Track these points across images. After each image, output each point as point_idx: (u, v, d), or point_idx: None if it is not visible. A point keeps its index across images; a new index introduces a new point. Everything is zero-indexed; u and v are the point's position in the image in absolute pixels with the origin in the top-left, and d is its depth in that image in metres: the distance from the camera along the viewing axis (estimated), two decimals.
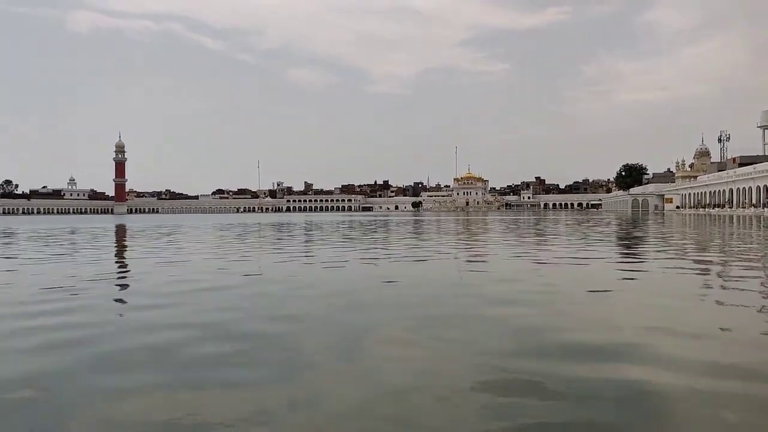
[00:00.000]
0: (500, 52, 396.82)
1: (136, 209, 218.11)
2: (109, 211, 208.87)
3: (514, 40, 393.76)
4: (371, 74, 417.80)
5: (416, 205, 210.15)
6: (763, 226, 29.70)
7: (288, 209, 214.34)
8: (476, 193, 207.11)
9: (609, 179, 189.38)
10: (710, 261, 11.54)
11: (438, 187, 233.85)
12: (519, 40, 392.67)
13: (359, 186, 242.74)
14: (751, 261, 11.24)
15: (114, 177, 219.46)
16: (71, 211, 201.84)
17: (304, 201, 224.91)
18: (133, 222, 54.68)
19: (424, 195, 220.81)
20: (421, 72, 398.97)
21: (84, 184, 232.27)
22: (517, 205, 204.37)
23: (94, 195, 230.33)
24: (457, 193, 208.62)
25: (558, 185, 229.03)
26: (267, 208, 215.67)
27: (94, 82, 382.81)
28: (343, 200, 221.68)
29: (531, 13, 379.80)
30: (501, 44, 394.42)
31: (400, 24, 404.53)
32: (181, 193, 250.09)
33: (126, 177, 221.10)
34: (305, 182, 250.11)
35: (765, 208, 63.52)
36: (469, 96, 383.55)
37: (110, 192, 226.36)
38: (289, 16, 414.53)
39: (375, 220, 50.58)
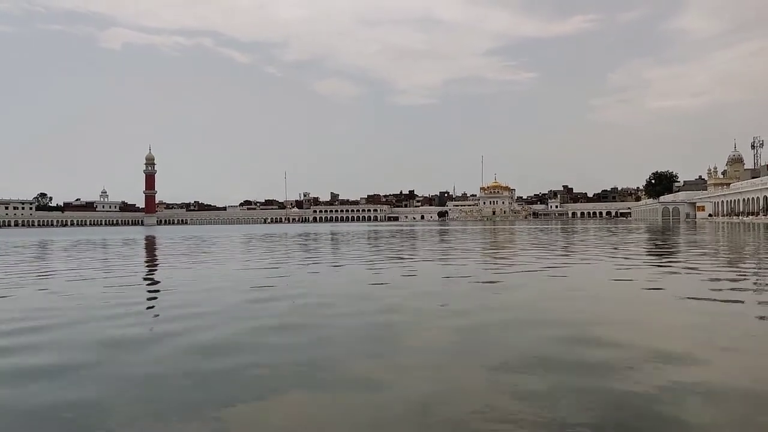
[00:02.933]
0: (527, 60, 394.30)
1: (165, 221, 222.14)
2: (140, 222, 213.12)
3: (540, 48, 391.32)
4: (397, 85, 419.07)
5: (442, 214, 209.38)
6: None
7: (314, 219, 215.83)
8: (503, 203, 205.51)
9: (638, 187, 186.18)
10: None
11: (464, 197, 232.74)
12: (545, 48, 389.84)
13: (385, 196, 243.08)
14: None
15: (144, 189, 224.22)
16: (103, 222, 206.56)
17: (330, 211, 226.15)
18: (177, 233, 55.73)
19: (450, 204, 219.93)
20: (447, 81, 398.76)
21: (115, 196, 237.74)
22: (545, 214, 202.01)
23: (125, 207, 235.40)
24: (484, 203, 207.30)
25: (586, 194, 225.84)
26: (294, 219, 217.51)
27: (125, 96, 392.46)
28: (368, 210, 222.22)
29: (557, 21, 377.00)
30: (527, 53, 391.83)
31: (426, 34, 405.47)
32: (210, 205, 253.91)
33: (156, 189, 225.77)
34: (331, 193, 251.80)
35: None
36: (496, 105, 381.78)
37: (140, 204, 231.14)
38: (316, 28, 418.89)
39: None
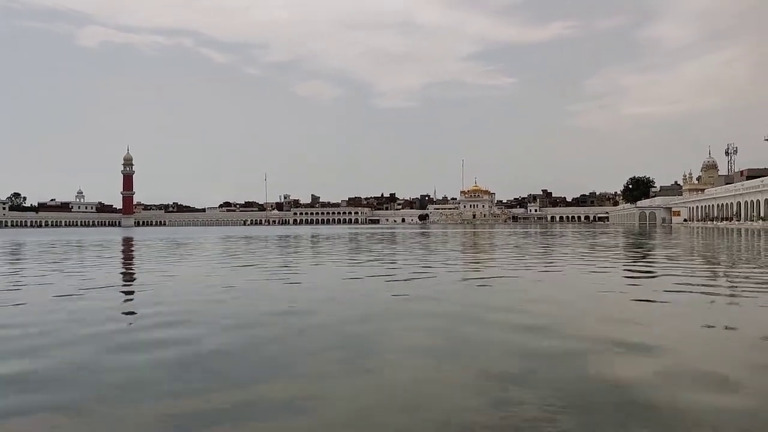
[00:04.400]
0: (506, 65, 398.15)
1: (143, 222, 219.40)
2: (117, 223, 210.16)
3: (519, 54, 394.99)
4: (378, 87, 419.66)
5: (423, 217, 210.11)
6: None
7: (294, 222, 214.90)
8: (483, 206, 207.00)
9: (616, 192, 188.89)
10: None
11: (445, 200, 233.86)
12: (525, 54, 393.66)
13: (366, 199, 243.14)
14: None
15: (122, 190, 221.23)
16: (79, 223, 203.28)
17: (311, 214, 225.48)
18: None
19: (430, 207, 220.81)
20: (427, 85, 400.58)
21: (92, 197, 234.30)
22: (524, 218, 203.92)
23: (102, 208, 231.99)
24: (464, 206, 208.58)
25: (565, 198, 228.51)
26: (274, 221, 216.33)
27: (103, 95, 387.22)
28: (349, 213, 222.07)
29: (536, 27, 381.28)
30: (507, 58, 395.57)
31: (406, 38, 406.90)
32: (188, 206, 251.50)
33: (134, 190, 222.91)
34: (312, 195, 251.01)
35: None
36: (476, 109, 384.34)
37: (118, 205, 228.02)
38: (296, 30, 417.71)
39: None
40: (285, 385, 3.84)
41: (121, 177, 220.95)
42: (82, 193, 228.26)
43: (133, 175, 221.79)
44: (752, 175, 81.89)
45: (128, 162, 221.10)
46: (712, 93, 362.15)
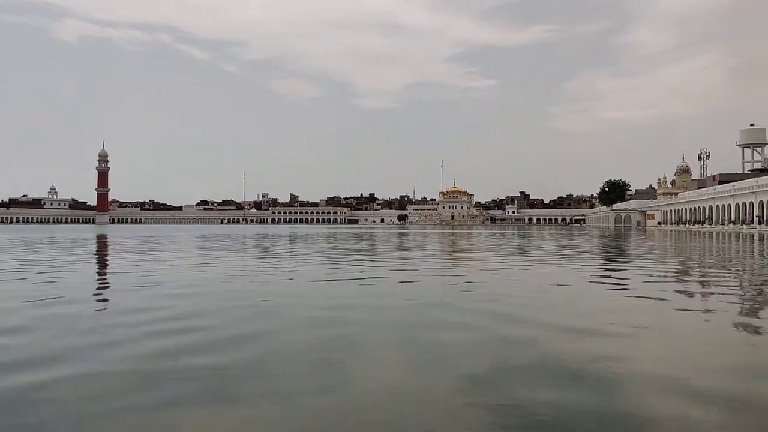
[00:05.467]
0: (486, 68, 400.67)
1: (118, 219, 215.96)
2: (91, 221, 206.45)
3: (500, 56, 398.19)
4: (358, 88, 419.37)
5: (402, 218, 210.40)
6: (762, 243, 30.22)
7: (273, 221, 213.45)
8: (461, 207, 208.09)
9: (593, 195, 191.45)
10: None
11: (424, 201, 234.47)
12: (505, 56, 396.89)
13: (345, 198, 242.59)
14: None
15: (96, 186, 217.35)
16: (52, 220, 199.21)
17: (290, 213, 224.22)
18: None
19: (410, 208, 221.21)
20: (408, 86, 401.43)
21: (65, 194, 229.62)
22: (502, 220, 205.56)
23: (76, 205, 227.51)
24: (443, 207, 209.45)
25: (542, 200, 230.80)
26: (252, 220, 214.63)
27: (78, 90, 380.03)
28: (328, 213, 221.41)
29: (517, 30, 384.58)
30: (487, 61, 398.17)
31: (387, 39, 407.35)
32: (165, 204, 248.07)
33: (109, 187, 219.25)
34: (291, 194, 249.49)
35: (743, 225, 64.58)
36: (456, 111, 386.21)
37: (92, 202, 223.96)
38: (277, 28, 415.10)
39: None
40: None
41: (96, 173, 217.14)
42: (55, 189, 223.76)
43: (109, 172, 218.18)
44: (724, 180, 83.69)
45: (103, 158, 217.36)
46: (687, 98, 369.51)
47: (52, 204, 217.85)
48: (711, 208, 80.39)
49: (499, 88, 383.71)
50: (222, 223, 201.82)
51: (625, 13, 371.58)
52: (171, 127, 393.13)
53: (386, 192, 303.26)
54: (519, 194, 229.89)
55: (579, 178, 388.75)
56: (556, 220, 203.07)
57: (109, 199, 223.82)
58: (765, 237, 40.45)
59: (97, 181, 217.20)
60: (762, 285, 10.09)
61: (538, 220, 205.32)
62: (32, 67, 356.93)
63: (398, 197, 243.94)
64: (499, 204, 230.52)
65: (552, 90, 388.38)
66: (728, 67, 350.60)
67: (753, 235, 44.54)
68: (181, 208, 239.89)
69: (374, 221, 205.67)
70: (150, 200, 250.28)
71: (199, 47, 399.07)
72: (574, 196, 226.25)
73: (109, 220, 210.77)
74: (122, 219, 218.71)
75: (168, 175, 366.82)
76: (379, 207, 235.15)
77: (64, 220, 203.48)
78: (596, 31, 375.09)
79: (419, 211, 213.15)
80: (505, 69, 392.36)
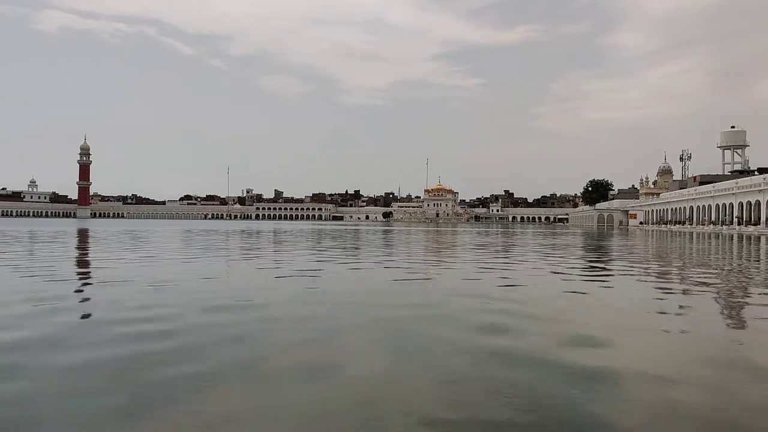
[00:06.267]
0: (473, 67, 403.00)
1: (100, 213, 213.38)
2: (72, 214, 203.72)
3: (486, 56, 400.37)
4: (345, 84, 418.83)
5: (387, 215, 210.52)
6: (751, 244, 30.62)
7: (257, 217, 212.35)
8: (446, 205, 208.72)
9: (576, 194, 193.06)
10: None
11: (409, 198, 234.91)
12: (491, 56, 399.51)
13: (330, 195, 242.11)
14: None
15: (78, 180, 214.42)
16: (31, 214, 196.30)
17: (274, 209, 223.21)
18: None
19: (395, 205, 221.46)
20: (394, 84, 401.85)
21: (46, 187, 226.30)
22: (486, 218, 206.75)
23: (56, 198, 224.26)
24: (428, 205, 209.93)
25: (526, 199, 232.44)
26: (236, 216, 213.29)
27: (61, 82, 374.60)
28: (313, 209, 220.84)
29: (503, 30, 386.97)
30: (474, 60, 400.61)
31: (374, 36, 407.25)
32: (148, 198, 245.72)
33: (90, 180, 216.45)
34: (275, 190, 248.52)
35: (723, 226, 65.54)
36: (442, 109, 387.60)
37: (73, 195, 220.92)
38: (264, 24, 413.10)
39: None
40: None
41: (77, 167, 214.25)
42: (35, 182, 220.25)
43: (90, 165, 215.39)
44: (704, 181, 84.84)
45: (85, 151, 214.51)
46: (670, 100, 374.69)
47: (32, 197, 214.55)
48: (692, 208, 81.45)
49: (485, 87, 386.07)
50: (205, 218, 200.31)
51: (610, 15, 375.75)
52: (155, 121, 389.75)
53: (372, 189, 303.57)
54: (503, 193, 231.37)
55: (563, 178, 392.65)
56: (539, 218, 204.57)
57: (91, 193, 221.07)
58: (744, 237, 41.07)
59: (78, 175, 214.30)
60: (727, 287, 10.17)
61: (522, 218, 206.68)
62: (12, 58, 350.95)
63: (383, 194, 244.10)
64: (483, 202, 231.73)
65: (537, 90, 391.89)
66: (710, 70, 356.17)
67: (732, 236, 45.18)
68: (164, 202, 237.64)
69: (359, 218, 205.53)
70: (132, 194, 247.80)
71: (185, 41, 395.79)
72: (558, 195, 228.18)
73: (91, 214, 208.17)
74: (104, 213, 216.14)
75: (151, 169, 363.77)
76: (365, 204, 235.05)
77: (44, 214, 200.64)
78: (582, 32, 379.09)
79: (404, 209, 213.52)
80: (491, 68, 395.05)
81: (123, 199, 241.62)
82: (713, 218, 72.23)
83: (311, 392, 3.56)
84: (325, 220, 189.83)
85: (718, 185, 74.12)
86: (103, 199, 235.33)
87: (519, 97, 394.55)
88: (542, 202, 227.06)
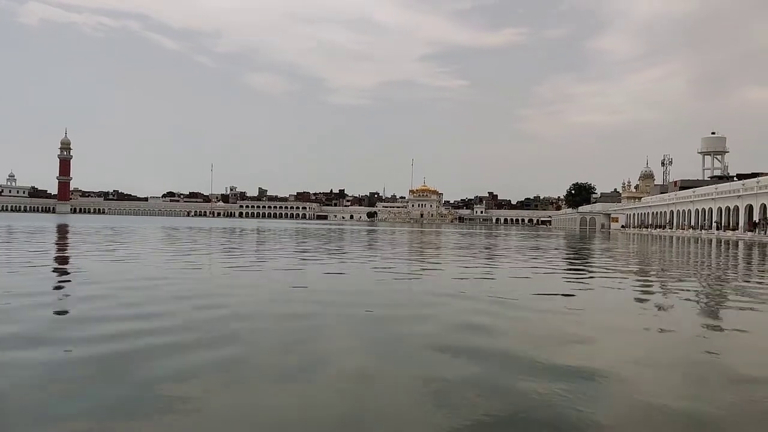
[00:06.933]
0: (459, 68, 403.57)
1: (80, 209, 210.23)
2: (51, 210, 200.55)
3: (472, 57, 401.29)
4: (330, 83, 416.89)
5: (371, 215, 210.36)
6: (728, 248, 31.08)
7: (240, 215, 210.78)
8: (431, 206, 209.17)
9: (559, 197, 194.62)
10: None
11: (394, 198, 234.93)
12: (477, 58, 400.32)
13: (315, 194, 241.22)
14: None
15: (58, 175, 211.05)
16: (9, 208, 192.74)
17: (258, 207, 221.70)
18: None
19: (379, 205, 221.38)
20: (380, 84, 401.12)
21: (24, 181, 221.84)
22: (470, 219, 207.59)
23: (35, 193, 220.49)
24: (412, 205, 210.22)
25: (510, 201, 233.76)
26: (219, 213, 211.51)
27: (42, 75, 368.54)
28: (297, 208, 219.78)
29: (489, 32, 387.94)
30: (460, 61, 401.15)
31: (361, 35, 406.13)
32: (130, 195, 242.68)
33: (71, 175, 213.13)
34: (259, 188, 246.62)
35: (702, 230, 66.49)
36: (427, 110, 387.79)
37: (53, 190, 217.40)
38: (250, 21, 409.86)
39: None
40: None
41: (57, 161, 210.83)
42: (13, 176, 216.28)
43: (71, 160, 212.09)
44: (685, 185, 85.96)
45: (66, 146, 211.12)
46: (652, 106, 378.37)
47: (10, 191, 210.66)
48: (672, 212, 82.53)
49: (471, 88, 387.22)
50: (188, 215, 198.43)
51: (595, 19, 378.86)
52: (138, 116, 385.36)
53: (356, 189, 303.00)
54: (487, 194, 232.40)
55: (546, 180, 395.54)
56: (523, 220, 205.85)
57: (71, 188, 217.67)
58: (722, 242, 41.74)
59: (58, 169, 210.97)
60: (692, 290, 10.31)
61: (506, 220, 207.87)
62: None
63: (368, 194, 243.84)
64: (467, 203, 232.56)
65: (523, 92, 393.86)
66: (691, 76, 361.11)
67: (711, 240, 45.89)
68: (146, 199, 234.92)
69: (344, 218, 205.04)
70: (114, 190, 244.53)
71: (170, 36, 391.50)
72: (541, 197, 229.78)
73: (71, 209, 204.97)
74: (84, 209, 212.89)
75: (134, 165, 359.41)
76: (349, 203, 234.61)
77: (22, 209, 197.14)
78: (566, 36, 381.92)
79: (389, 209, 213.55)
80: (477, 70, 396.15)
81: (104, 195, 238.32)
82: (693, 223, 73.23)
83: (290, 392, 3.53)
84: (310, 219, 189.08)
85: (698, 190, 75.16)
86: (84, 194, 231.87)
87: (504, 99, 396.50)
88: (526, 204, 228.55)
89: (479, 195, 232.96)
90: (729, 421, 3.17)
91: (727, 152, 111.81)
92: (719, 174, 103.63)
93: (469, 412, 3.15)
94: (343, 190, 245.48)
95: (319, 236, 31.40)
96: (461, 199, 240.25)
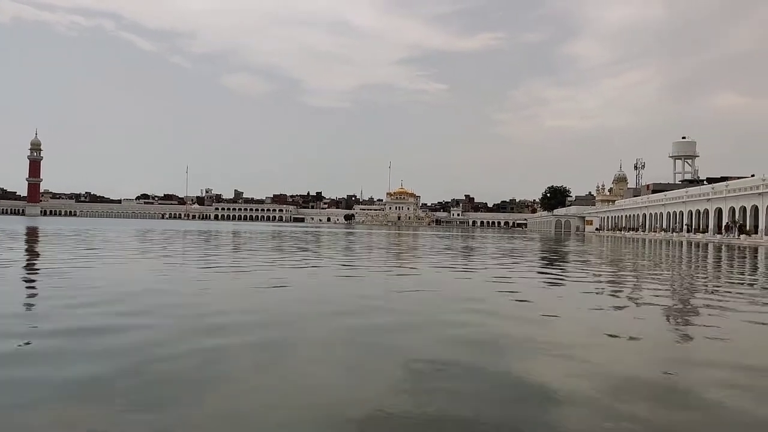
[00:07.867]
0: (436, 72, 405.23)
1: (50, 211, 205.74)
2: (20, 212, 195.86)
3: (449, 61, 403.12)
4: (308, 85, 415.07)
5: (349, 218, 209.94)
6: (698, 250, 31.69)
7: (216, 217, 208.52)
8: (408, 209, 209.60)
9: (535, 200, 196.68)
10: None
11: (371, 201, 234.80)
12: (454, 62, 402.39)
13: (291, 196, 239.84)
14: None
15: (27, 176, 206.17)
16: None
17: (234, 209, 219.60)
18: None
19: (357, 208, 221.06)
20: (358, 87, 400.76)
21: None
22: (447, 222, 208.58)
23: (4, 194, 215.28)
24: (390, 208, 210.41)
25: (486, 204, 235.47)
26: (194, 216, 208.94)
27: (11, 74, 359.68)
28: (274, 210, 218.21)
29: (466, 36, 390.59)
30: (437, 65, 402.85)
31: (339, 38, 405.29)
32: (103, 197, 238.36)
33: (41, 177, 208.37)
34: (235, 190, 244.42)
35: (673, 233, 67.87)
36: (405, 113, 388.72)
37: (22, 192, 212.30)
38: (226, 21, 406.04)
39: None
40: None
41: (27, 162, 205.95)
42: None
43: (41, 161, 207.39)
44: (657, 189, 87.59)
45: (36, 147, 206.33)
46: (625, 110, 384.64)
47: None
48: (645, 215, 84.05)
49: (448, 92, 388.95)
50: (162, 217, 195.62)
51: (569, 25, 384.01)
52: (111, 117, 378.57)
53: (333, 191, 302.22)
54: (464, 197, 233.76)
55: (522, 184, 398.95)
56: (499, 223, 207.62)
57: (42, 190, 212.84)
58: (692, 244, 42.66)
59: (28, 171, 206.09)
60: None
61: (482, 223, 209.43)
62: None
63: (345, 197, 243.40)
64: (444, 206, 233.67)
65: (499, 96, 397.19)
66: (664, 82, 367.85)
67: (682, 242, 46.87)
68: (120, 201, 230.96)
69: (321, 220, 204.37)
70: (86, 192, 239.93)
71: (145, 36, 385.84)
72: (517, 200, 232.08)
73: (41, 211, 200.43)
74: (55, 211, 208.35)
75: (107, 167, 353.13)
76: (326, 206, 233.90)
77: None
78: (542, 41, 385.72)
79: (366, 211, 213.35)
80: (454, 74, 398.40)
81: (76, 197, 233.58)
82: (664, 225, 74.69)
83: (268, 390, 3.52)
84: (286, 221, 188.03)
85: (669, 194, 76.68)
86: (54, 196, 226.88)
87: (481, 103, 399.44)
88: (502, 207, 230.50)
89: (456, 198, 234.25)
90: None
91: (698, 156, 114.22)
92: (690, 178, 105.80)
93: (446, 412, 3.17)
94: (321, 192, 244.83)
95: (297, 239, 31.22)
96: (438, 202, 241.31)
